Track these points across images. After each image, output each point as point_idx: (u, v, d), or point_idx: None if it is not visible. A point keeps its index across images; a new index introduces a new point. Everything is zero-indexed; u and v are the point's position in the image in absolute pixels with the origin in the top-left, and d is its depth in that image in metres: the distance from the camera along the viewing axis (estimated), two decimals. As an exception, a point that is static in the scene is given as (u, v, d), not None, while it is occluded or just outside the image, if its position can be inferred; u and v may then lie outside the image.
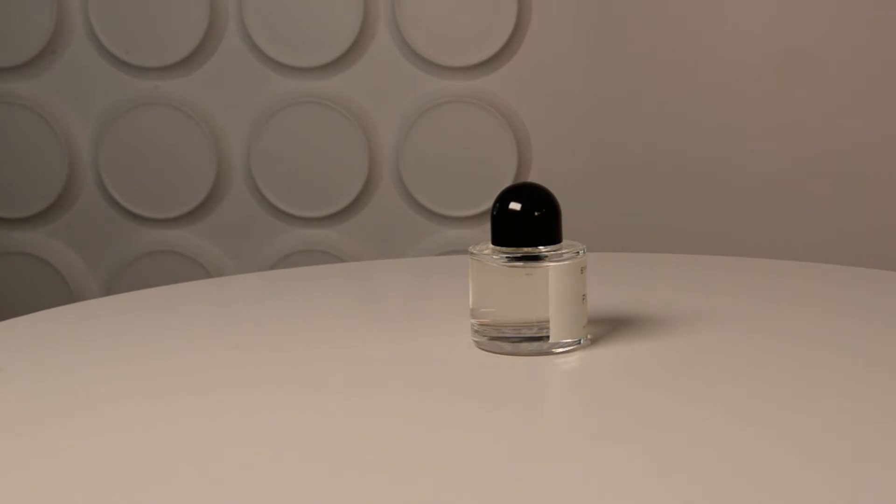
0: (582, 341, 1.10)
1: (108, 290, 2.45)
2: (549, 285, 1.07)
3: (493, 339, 1.09)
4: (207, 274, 2.45)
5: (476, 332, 1.10)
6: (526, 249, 1.08)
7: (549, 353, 1.08)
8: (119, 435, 0.90)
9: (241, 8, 2.36)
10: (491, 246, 1.10)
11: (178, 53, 2.38)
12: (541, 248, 1.08)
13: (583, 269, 1.09)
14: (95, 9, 2.38)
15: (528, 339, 1.08)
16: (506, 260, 1.08)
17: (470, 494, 0.77)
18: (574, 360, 1.07)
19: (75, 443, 0.89)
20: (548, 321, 1.07)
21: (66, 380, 1.08)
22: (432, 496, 0.77)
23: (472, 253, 1.10)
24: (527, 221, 1.09)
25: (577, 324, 1.09)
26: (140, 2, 2.38)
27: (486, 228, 1.11)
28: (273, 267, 2.45)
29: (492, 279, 1.09)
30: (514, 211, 1.09)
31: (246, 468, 0.82)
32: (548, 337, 1.07)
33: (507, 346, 1.08)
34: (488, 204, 1.10)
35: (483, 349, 1.10)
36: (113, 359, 1.16)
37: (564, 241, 1.11)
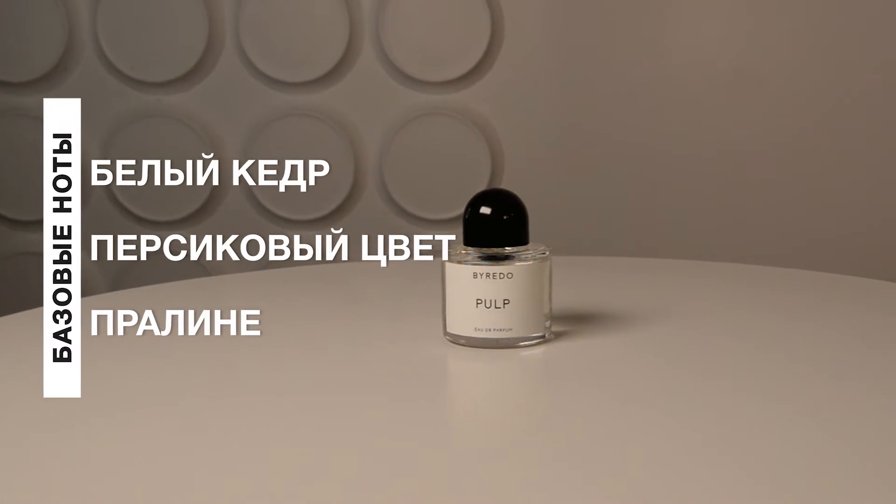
0: (546, 336, 1.09)
1: (114, 287, 2.43)
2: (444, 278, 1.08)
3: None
4: (206, 273, 2.43)
5: (448, 325, 1.09)
6: (494, 250, 1.07)
7: (512, 346, 1.06)
8: (117, 427, 0.88)
9: (238, 28, 2.35)
10: (463, 246, 1.09)
11: (179, 69, 2.37)
12: (507, 248, 1.07)
13: (479, 275, 1.06)
14: (103, 29, 2.36)
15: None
16: (476, 259, 1.07)
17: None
18: (539, 352, 1.06)
19: (76, 433, 0.87)
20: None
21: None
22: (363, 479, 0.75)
23: (446, 253, 1.09)
24: (496, 224, 1.07)
25: (466, 321, 1.07)
26: (144, 22, 2.37)
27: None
28: (266, 267, 2.43)
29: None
30: (484, 214, 1.08)
31: (219, 456, 0.80)
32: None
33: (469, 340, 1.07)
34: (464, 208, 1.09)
35: (454, 343, 1.08)
36: (114, 354, 1.14)
37: (531, 244, 1.09)
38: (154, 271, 2.44)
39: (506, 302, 1.06)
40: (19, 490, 0.75)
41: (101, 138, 2.42)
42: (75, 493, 0.74)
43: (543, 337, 1.08)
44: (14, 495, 0.74)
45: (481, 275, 1.06)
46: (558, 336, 1.12)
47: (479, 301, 1.06)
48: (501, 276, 1.06)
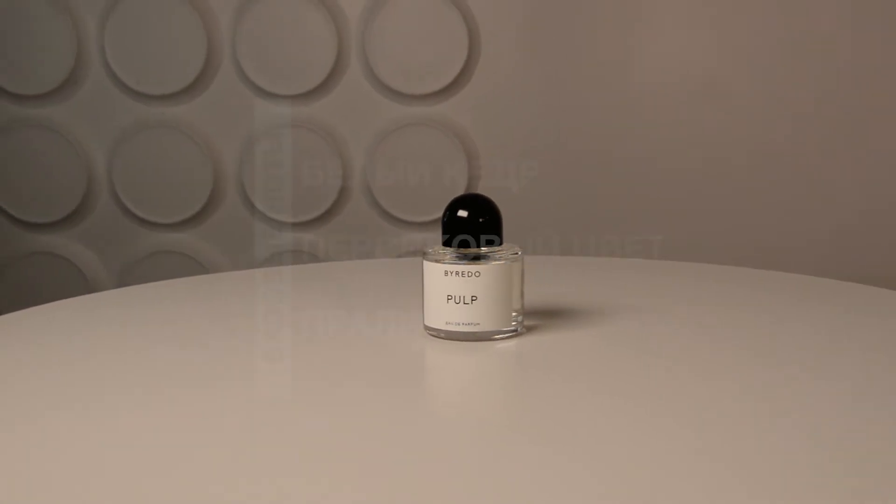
0: (519, 329, 1.09)
1: (120, 284, 2.43)
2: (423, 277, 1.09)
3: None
4: (205, 270, 2.43)
5: (425, 319, 1.10)
6: (470, 250, 1.07)
7: (481, 339, 1.07)
8: (117, 408, 0.89)
9: (234, 45, 2.35)
10: (442, 247, 1.09)
11: (180, 83, 2.37)
12: (483, 249, 1.07)
13: (449, 273, 1.07)
14: (110, 46, 2.36)
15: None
16: (453, 259, 1.07)
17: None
18: (512, 345, 1.07)
19: (81, 407, 0.89)
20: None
21: (80, 352, 1.10)
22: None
23: (426, 253, 1.09)
24: (472, 226, 1.08)
25: (439, 316, 1.08)
26: (148, 40, 2.37)
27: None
28: (260, 265, 2.43)
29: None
30: (461, 217, 1.08)
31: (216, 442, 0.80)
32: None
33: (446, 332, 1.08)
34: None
35: (431, 335, 1.09)
36: (122, 339, 1.15)
37: (505, 244, 1.09)
38: (157, 270, 2.44)
39: (474, 298, 1.06)
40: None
41: (107, 147, 2.41)
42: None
43: (514, 331, 1.09)
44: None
45: (452, 273, 1.06)
46: (531, 330, 1.12)
47: (450, 297, 1.07)
48: (470, 274, 1.06)
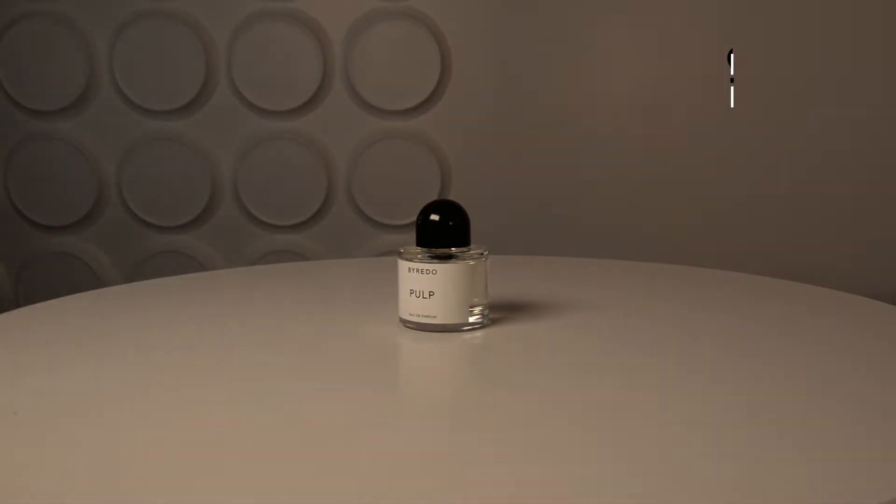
0: (484, 322, 1.10)
1: (128, 280, 2.43)
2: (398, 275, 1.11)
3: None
4: (204, 268, 2.43)
5: (402, 311, 1.10)
6: (441, 250, 1.08)
7: (455, 330, 1.08)
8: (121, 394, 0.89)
9: (230, 66, 2.35)
10: (416, 247, 1.10)
11: (182, 100, 2.36)
12: (452, 249, 1.08)
13: (412, 270, 1.08)
14: (118, 67, 2.36)
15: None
16: (426, 257, 1.08)
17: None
18: (477, 335, 1.07)
19: (83, 387, 0.89)
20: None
21: (89, 339, 1.12)
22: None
23: (400, 252, 1.10)
24: (443, 229, 1.09)
25: (405, 308, 1.09)
26: (152, 61, 2.37)
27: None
28: (254, 263, 2.44)
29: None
30: (433, 221, 1.09)
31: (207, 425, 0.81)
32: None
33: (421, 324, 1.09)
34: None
35: (406, 326, 1.10)
36: (127, 328, 1.16)
37: (472, 245, 1.10)
38: (160, 267, 2.44)
39: (431, 293, 1.07)
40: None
41: (116, 158, 2.41)
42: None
43: (479, 324, 1.09)
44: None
45: (414, 270, 1.07)
46: (496, 322, 1.13)
47: (412, 291, 1.08)
48: (427, 272, 1.07)
